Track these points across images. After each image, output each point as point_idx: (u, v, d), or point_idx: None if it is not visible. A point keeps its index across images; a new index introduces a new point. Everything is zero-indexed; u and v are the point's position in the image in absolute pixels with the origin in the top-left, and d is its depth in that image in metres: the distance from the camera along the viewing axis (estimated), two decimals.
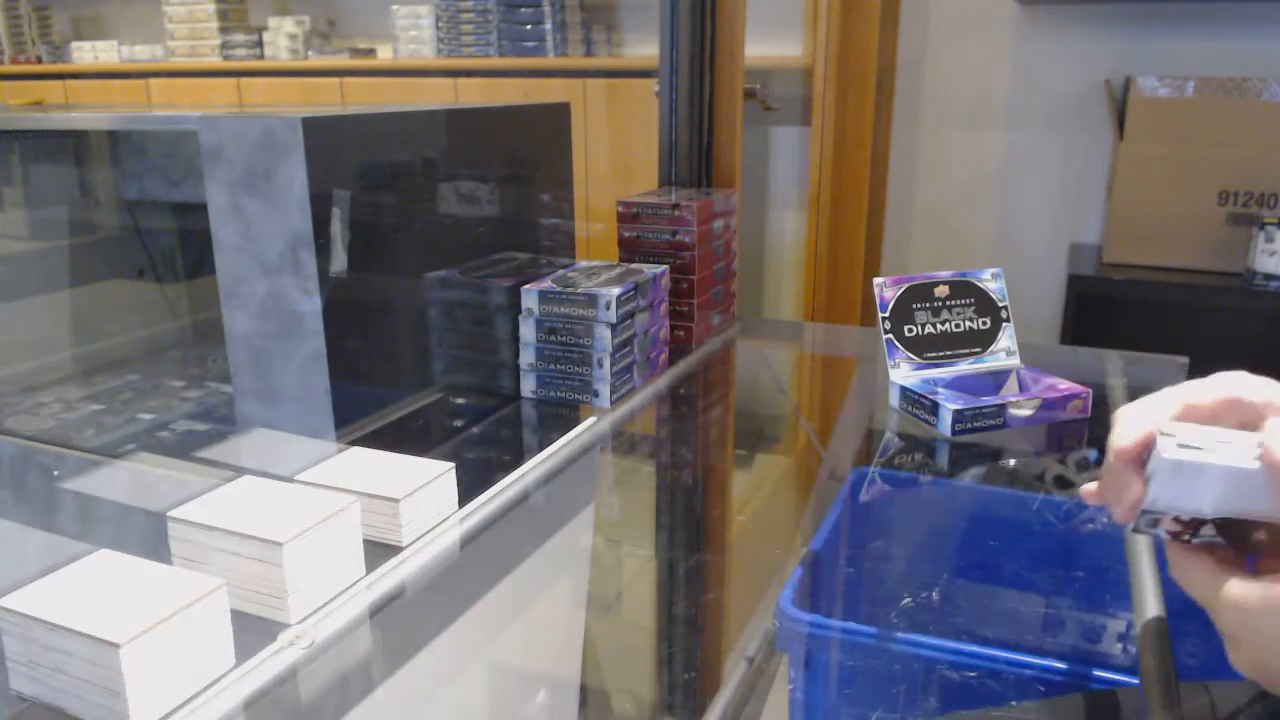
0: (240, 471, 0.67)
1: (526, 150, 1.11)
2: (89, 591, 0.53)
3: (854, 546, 1.07)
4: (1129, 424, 0.45)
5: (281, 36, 3.53)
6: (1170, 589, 0.80)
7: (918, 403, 1.10)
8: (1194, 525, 0.45)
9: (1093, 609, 1.03)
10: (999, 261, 2.07)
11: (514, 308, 1.05)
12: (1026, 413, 1.08)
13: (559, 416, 1.03)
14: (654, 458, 1.07)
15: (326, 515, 0.61)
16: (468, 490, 0.79)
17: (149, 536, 0.76)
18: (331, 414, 0.83)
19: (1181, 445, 0.42)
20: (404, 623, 0.70)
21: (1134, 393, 1.18)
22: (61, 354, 1.17)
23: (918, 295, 1.17)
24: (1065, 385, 1.10)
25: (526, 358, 1.06)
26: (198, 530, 0.60)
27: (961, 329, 1.18)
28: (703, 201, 1.28)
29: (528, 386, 1.07)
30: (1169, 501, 0.43)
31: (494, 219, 1.06)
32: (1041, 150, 2.49)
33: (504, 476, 0.86)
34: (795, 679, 0.90)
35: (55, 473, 0.91)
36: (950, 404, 1.05)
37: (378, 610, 0.64)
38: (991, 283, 1.20)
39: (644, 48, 3.16)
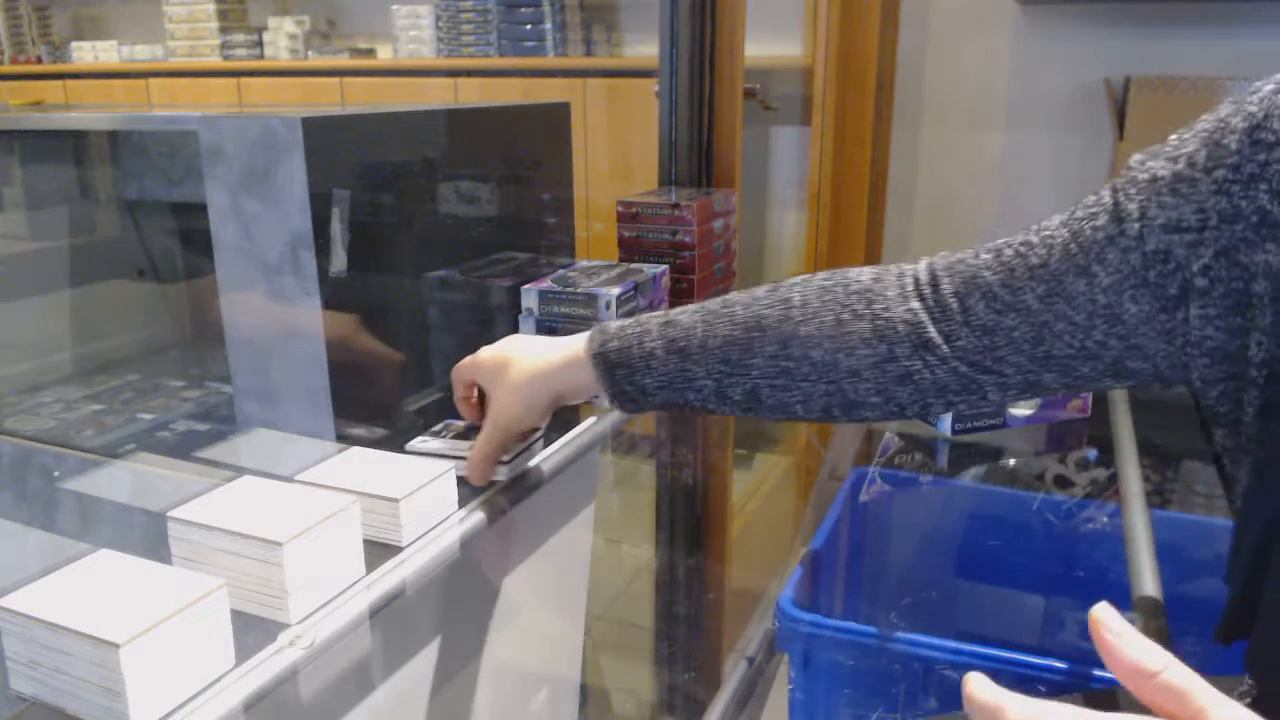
0: (240, 471, 0.67)
1: (526, 150, 1.11)
2: (89, 591, 0.53)
3: (854, 546, 1.07)
4: None
5: (281, 36, 3.53)
6: (1170, 589, 0.80)
7: None
8: None
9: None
10: None
11: (514, 308, 1.05)
12: (1026, 412, 1.08)
13: (559, 416, 1.03)
14: (654, 458, 1.07)
15: (326, 515, 0.61)
16: (468, 490, 0.79)
17: (149, 536, 0.76)
18: (331, 414, 0.83)
19: None
20: (404, 623, 0.70)
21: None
22: (61, 354, 1.17)
23: None
24: None
25: None
26: (198, 530, 0.60)
27: None
28: (703, 201, 1.28)
29: None
30: None
31: (494, 219, 1.06)
32: (1041, 150, 2.49)
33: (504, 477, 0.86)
34: (795, 679, 0.90)
35: (55, 473, 0.91)
36: None
37: (378, 610, 0.64)
38: None
39: (644, 48, 3.16)
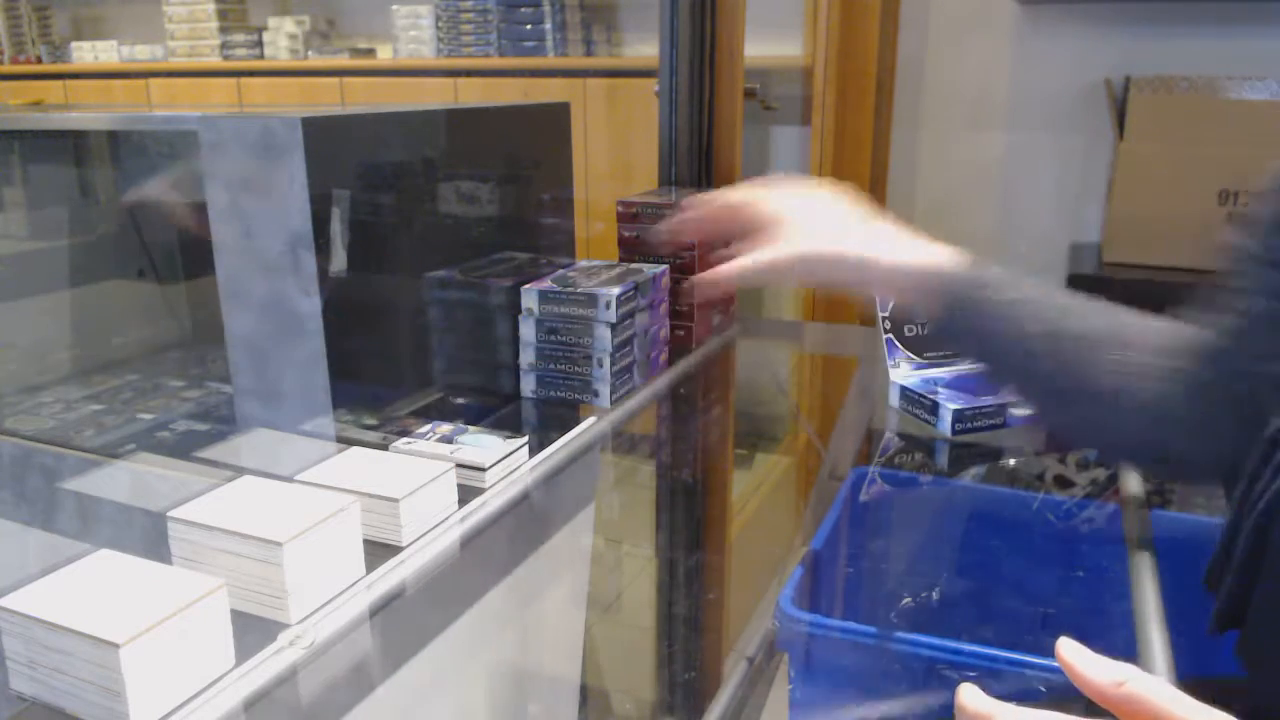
0: (240, 471, 0.67)
1: (526, 150, 1.11)
2: (89, 591, 0.53)
3: (854, 546, 1.07)
4: None
5: (281, 36, 3.53)
6: (1170, 588, 0.80)
7: (918, 402, 1.10)
8: None
9: (1093, 609, 1.03)
10: (999, 261, 2.06)
11: (514, 308, 1.05)
12: (1027, 412, 1.08)
13: (559, 416, 1.03)
14: (654, 458, 1.07)
15: (326, 515, 0.61)
16: (468, 490, 0.79)
17: (149, 536, 0.76)
18: (331, 414, 0.83)
19: None
20: (404, 623, 0.70)
21: None
22: (61, 354, 1.17)
23: None
24: None
25: (526, 358, 1.06)
26: (198, 530, 0.60)
27: None
28: None
29: (528, 386, 1.07)
30: None
31: (494, 219, 1.06)
32: (1041, 150, 2.49)
33: (504, 476, 0.86)
34: (795, 679, 0.90)
35: (55, 473, 0.91)
36: (950, 403, 1.05)
37: (378, 610, 0.64)
38: None
39: (644, 48, 3.16)
